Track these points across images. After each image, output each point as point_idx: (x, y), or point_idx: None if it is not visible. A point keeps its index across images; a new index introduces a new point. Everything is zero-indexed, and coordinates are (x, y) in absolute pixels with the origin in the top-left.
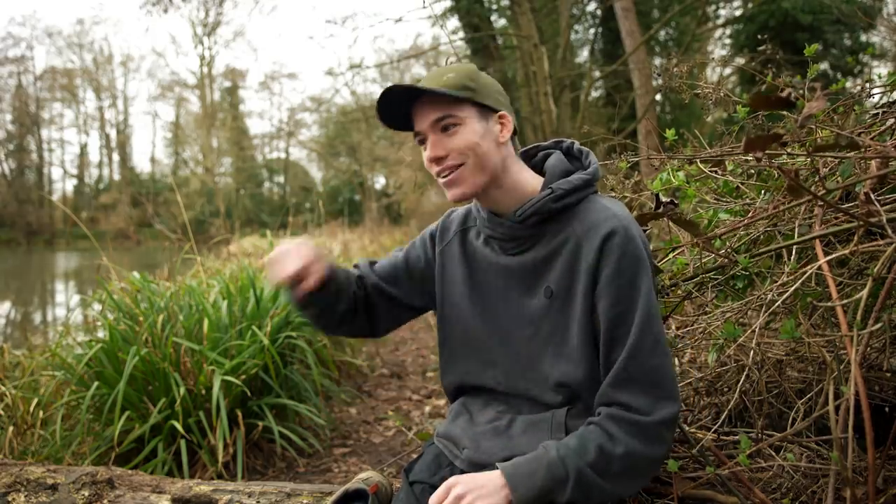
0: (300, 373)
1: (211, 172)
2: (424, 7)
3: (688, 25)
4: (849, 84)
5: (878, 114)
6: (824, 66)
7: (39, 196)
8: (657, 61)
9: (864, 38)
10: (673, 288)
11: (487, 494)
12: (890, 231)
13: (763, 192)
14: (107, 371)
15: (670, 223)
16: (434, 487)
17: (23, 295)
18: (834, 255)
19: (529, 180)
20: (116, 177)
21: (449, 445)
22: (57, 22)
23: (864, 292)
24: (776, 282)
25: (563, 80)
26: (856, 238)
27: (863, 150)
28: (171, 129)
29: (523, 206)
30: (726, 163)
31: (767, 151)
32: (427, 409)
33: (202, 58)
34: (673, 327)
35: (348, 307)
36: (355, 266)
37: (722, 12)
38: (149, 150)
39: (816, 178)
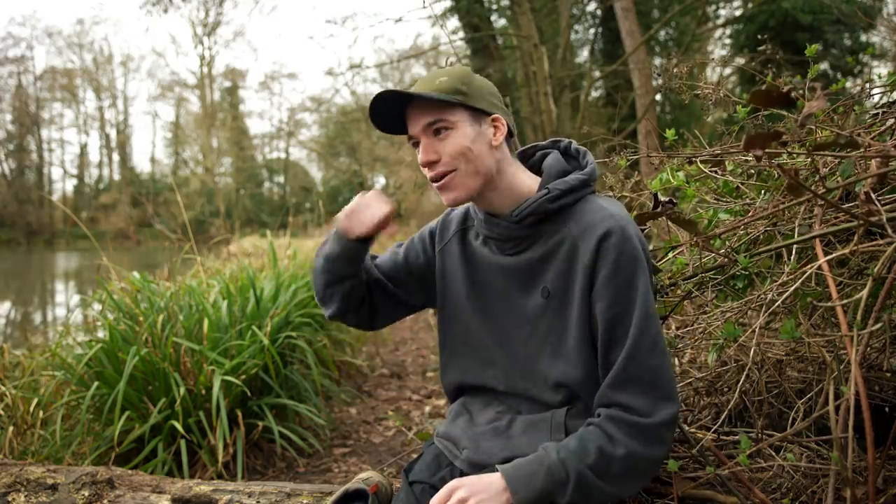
0: (300, 373)
1: (211, 172)
2: (424, 7)
3: (688, 25)
4: (849, 84)
5: (878, 114)
6: (824, 66)
7: (39, 196)
8: (657, 61)
9: (864, 38)
10: (672, 287)
11: (489, 498)
12: (890, 231)
13: (763, 191)
14: (107, 371)
15: (669, 223)
16: (434, 487)
17: (23, 295)
18: (834, 255)
19: (526, 181)
20: (116, 177)
21: (449, 446)
22: (57, 22)
23: (864, 292)
24: (776, 281)
25: (563, 80)
26: (856, 238)
27: (863, 149)
28: (171, 129)
29: (520, 207)
30: (726, 163)
31: (767, 150)
32: (427, 409)
33: (202, 58)
34: (673, 327)
35: (365, 291)
36: None
37: (722, 12)
38: (149, 150)
39: (816, 178)
